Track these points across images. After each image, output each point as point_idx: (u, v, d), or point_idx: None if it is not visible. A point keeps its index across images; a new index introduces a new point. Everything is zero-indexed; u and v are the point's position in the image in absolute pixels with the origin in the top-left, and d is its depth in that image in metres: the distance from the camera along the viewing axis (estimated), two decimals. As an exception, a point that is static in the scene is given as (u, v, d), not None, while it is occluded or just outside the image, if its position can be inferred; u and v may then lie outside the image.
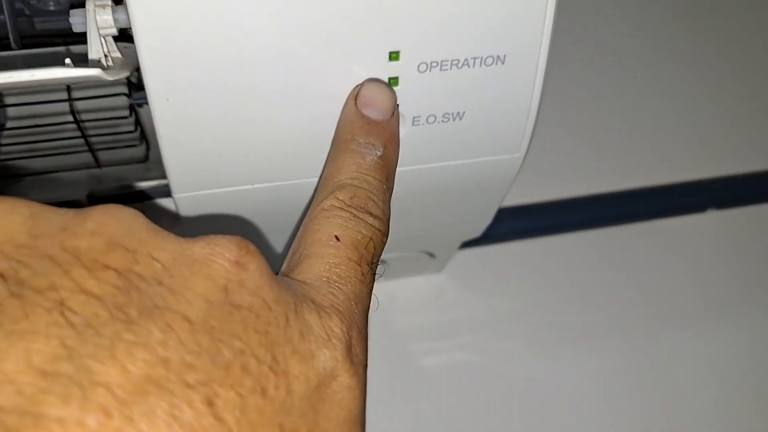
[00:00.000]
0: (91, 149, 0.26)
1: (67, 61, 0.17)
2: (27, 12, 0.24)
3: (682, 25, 0.50)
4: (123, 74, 0.19)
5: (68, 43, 0.24)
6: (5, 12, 0.23)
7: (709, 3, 0.52)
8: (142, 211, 0.25)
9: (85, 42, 0.21)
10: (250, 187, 0.23)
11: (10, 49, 0.23)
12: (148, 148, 0.28)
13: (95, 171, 0.27)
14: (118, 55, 0.21)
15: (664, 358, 0.36)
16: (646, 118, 0.44)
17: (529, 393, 0.34)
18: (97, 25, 0.19)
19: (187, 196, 0.23)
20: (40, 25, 0.24)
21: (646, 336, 0.36)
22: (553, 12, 0.21)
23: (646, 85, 0.46)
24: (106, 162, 0.27)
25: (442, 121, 0.23)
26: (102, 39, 0.19)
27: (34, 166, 0.27)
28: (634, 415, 0.35)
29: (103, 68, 0.18)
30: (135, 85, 0.26)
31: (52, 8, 0.24)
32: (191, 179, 0.23)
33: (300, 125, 0.21)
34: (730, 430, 0.35)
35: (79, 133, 0.26)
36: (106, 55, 0.19)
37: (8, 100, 0.27)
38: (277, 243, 0.29)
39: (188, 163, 0.22)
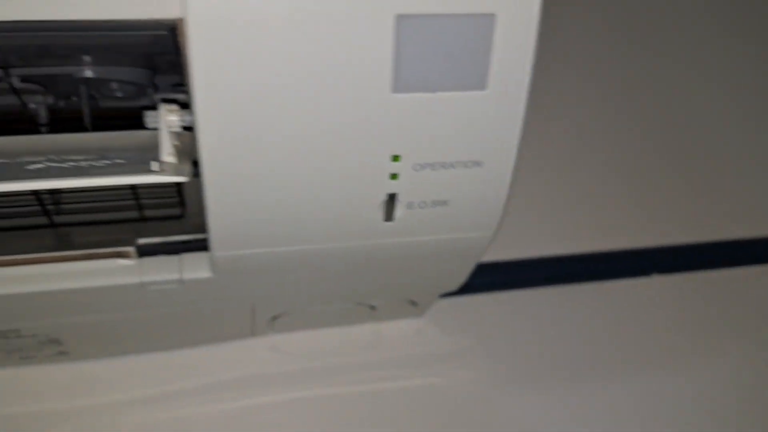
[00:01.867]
0: (140, 206, 0.32)
1: (155, 166, 0.23)
2: (96, 96, 0.29)
3: (628, 96, 0.57)
4: (190, 170, 0.24)
5: (131, 125, 0.30)
6: (82, 97, 0.29)
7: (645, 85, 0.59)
8: (181, 261, 0.31)
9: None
10: (279, 249, 0.29)
11: (84, 129, 0.29)
12: (184, 207, 0.33)
13: (140, 225, 0.33)
14: (178, 143, 0.26)
15: (608, 402, 0.41)
16: (601, 189, 0.51)
17: (482, 415, 0.39)
18: (167, 124, 0.25)
19: (222, 255, 0.29)
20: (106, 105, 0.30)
21: (593, 380, 0.42)
22: (521, 127, 0.27)
23: (601, 158, 0.53)
24: (149, 217, 0.33)
25: (431, 206, 0.29)
26: (169, 134, 0.25)
27: (84, 218, 0.33)
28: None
29: (183, 174, 0.23)
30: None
31: (119, 95, 0.29)
32: (229, 242, 0.28)
33: (325, 203, 0.27)
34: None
35: (131, 194, 0.31)
36: (171, 153, 0.25)
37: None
38: (296, 297, 0.34)
39: (228, 230, 0.28)
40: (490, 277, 0.43)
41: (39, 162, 0.24)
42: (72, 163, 0.24)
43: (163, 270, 0.31)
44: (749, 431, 0.42)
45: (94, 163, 0.24)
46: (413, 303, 0.40)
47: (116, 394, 0.37)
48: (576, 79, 0.57)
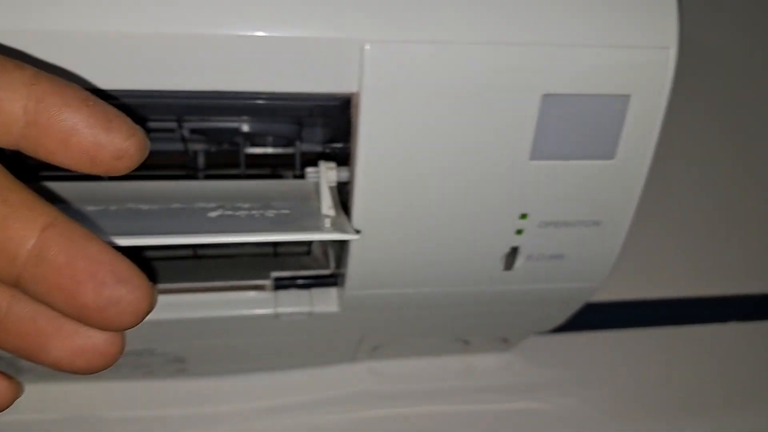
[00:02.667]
0: (276, 243, 0.35)
1: (327, 224, 0.26)
2: (249, 143, 0.33)
3: (711, 146, 0.59)
4: (351, 226, 0.27)
5: (277, 175, 0.33)
6: (240, 146, 0.32)
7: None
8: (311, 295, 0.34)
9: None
10: (404, 290, 0.32)
11: (238, 176, 0.32)
12: (310, 244, 0.36)
13: (271, 259, 0.36)
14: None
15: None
16: (693, 234, 0.53)
17: None
18: (327, 180, 0.28)
19: (354, 293, 0.32)
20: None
21: (678, 421, 0.44)
22: (641, 191, 0.30)
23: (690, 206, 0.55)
24: (279, 253, 0.36)
25: (548, 259, 0.31)
26: (328, 188, 0.28)
27: (224, 251, 0.36)
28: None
29: (350, 233, 0.26)
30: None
31: (270, 144, 0.32)
32: (363, 282, 0.31)
33: (456, 252, 0.30)
34: None
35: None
36: (331, 207, 0.28)
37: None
38: (403, 331, 0.37)
39: (365, 272, 0.30)
40: (580, 317, 0.45)
41: (214, 209, 0.27)
42: (244, 212, 0.27)
43: (295, 303, 0.34)
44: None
45: (264, 213, 0.27)
46: (505, 340, 0.43)
47: (230, 405, 0.41)
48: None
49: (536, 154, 0.27)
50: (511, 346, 0.44)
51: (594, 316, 0.46)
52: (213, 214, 0.27)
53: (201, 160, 0.32)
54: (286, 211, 0.28)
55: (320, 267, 0.35)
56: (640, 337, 0.47)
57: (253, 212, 0.27)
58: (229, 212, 0.27)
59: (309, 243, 0.36)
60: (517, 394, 0.42)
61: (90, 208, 0.27)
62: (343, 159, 0.29)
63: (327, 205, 0.27)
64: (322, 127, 0.32)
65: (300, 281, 0.34)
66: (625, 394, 0.44)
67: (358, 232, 0.27)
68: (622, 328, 0.47)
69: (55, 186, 0.29)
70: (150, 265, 0.34)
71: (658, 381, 0.45)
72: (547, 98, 0.26)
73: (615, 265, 0.32)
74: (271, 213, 0.27)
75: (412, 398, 0.42)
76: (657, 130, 0.28)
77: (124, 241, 0.24)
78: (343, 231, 0.25)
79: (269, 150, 0.33)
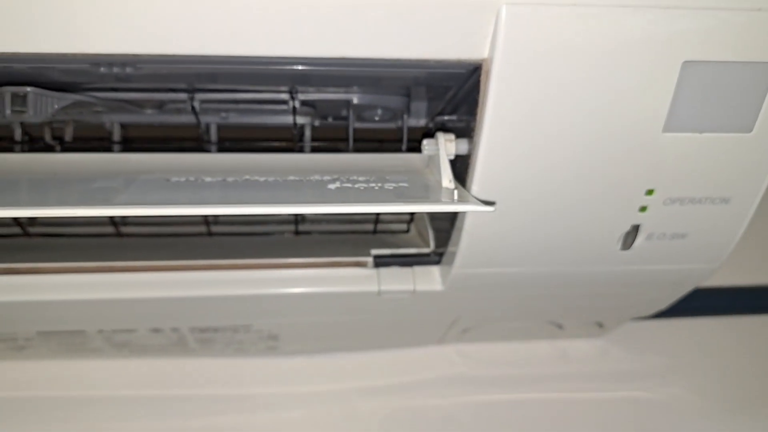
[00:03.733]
0: (377, 220, 0.34)
1: (456, 196, 0.25)
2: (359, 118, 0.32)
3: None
4: (474, 198, 0.26)
5: (382, 148, 0.32)
6: (350, 118, 0.31)
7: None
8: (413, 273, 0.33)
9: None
10: (514, 269, 0.31)
11: (344, 150, 0.31)
12: (410, 222, 0.35)
13: (369, 236, 0.35)
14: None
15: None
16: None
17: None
18: (446, 152, 0.27)
19: (462, 272, 0.31)
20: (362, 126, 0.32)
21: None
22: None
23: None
24: (378, 230, 0.35)
25: (669, 238, 0.30)
26: (447, 161, 0.27)
27: (324, 228, 0.35)
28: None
29: (477, 204, 0.25)
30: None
31: (377, 119, 0.32)
32: (473, 260, 0.30)
33: (574, 230, 0.29)
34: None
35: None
36: (452, 180, 0.27)
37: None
38: (499, 313, 0.36)
39: (477, 249, 0.30)
40: (677, 303, 0.44)
41: (332, 182, 0.27)
42: (362, 185, 0.26)
43: (399, 280, 0.33)
44: None
45: (382, 185, 0.26)
46: (600, 325, 0.41)
47: (320, 386, 0.40)
48: None
49: (670, 125, 0.26)
50: (605, 331, 0.43)
51: (694, 302, 0.45)
52: (332, 186, 0.26)
53: (308, 134, 0.32)
54: (405, 184, 0.27)
55: (418, 246, 0.35)
56: (739, 324, 0.45)
57: (372, 185, 0.27)
58: (347, 185, 0.27)
59: (408, 221, 0.36)
60: (616, 382, 0.41)
61: (208, 179, 0.27)
62: (458, 132, 0.28)
63: (448, 178, 0.27)
64: (430, 100, 0.32)
65: (400, 259, 0.33)
66: (723, 384, 0.42)
67: (490, 204, 0.26)
68: (719, 315, 0.45)
69: (170, 158, 0.29)
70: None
71: (756, 370, 0.43)
72: (688, 65, 0.25)
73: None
74: (389, 186, 0.26)
75: (505, 384, 0.41)
76: (800, 100, 0.26)
77: (247, 209, 0.23)
78: (476, 203, 0.24)
79: (376, 125, 0.32)
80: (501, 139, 0.26)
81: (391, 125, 0.33)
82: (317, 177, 0.27)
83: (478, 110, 0.26)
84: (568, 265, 0.31)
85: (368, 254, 0.34)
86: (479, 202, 0.24)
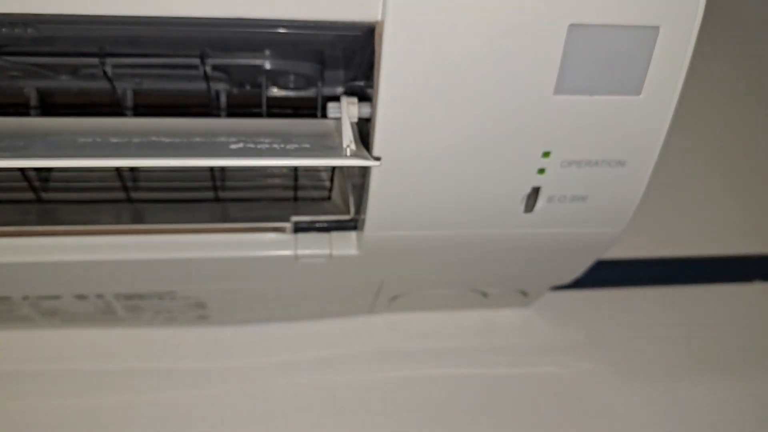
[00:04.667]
0: (296, 188, 0.35)
1: (348, 151, 0.26)
2: (271, 85, 0.33)
3: (743, 104, 0.58)
4: (371, 156, 0.27)
5: (297, 114, 0.33)
6: (263, 85, 0.32)
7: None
8: (330, 238, 0.34)
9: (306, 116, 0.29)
10: (423, 232, 0.32)
11: (260, 115, 0.32)
12: (331, 190, 0.36)
13: (291, 204, 0.36)
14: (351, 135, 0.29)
15: (706, 401, 0.43)
16: (714, 194, 0.52)
17: (599, 408, 0.41)
18: (348, 115, 0.28)
19: (373, 235, 0.32)
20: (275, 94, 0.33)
21: (691, 379, 0.43)
22: (666, 130, 0.29)
23: (717, 163, 0.54)
24: (301, 198, 0.36)
25: (570, 201, 0.31)
26: (349, 124, 0.28)
27: (246, 195, 0.36)
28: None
29: (369, 159, 0.26)
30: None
31: (291, 85, 0.32)
32: (382, 223, 0.31)
33: (476, 192, 0.30)
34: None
35: (292, 177, 0.35)
36: (351, 140, 0.27)
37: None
38: (422, 279, 0.37)
39: (385, 213, 0.30)
40: (598, 274, 0.45)
41: (236, 143, 0.27)
42: (265, 145, 0.27)
43: (315, 245, 0.34)
44: None
45: (285, 146, 0.27)
46: (524, 293, 0.42)
47: (247, 359, 0.41)
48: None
49: (561, 87, 0.27)
50: (530, 301, 0.44)
51: (616, 273, 0.46)
52: (234, 146, 0.27)
53: (223, 100, 0.32)
54: (307, 145, 0.28)
55: (340, 213, 0.35)
56: (662, 295, 0.46)
57: (275, 145, 0.27)
58: (251, 145, 0.27)
59: (329, 189, 0.36)
60: (535, 356, 0.42)
61: (114, 140, 0.27)
62: (366, 98, 0.29)
63: (348, 138, 0.27)
64: (344, 69, 0.32)
65: (319, 224, 0.34)
66: (643, 356, 0.43)
67: (377, 159, 0.27)
68: (644, 286, 0.46)
69: (82, 122, 0.29)
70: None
71: (679, 341, 0.45)
72: (574, 29, 0.26)
73: (644, 220, 0.32)
74: (292, 146, 0.27)
75: (428, 358, 0.42)
76: (685, 65, 0.27)
77: (139, 162, 0.24)
78: (363, 157, 0.25)
79: (291, 93, 0.33)
80: (396, 102, 0.26)
81: (310, 94, 0.33)
82: (223, 138, 0.28)
83: (375, 73, 0.26)
84: (476, 227, 0.32)
85: (289, 220, 0.34)
86: (366, 157, 0.25)
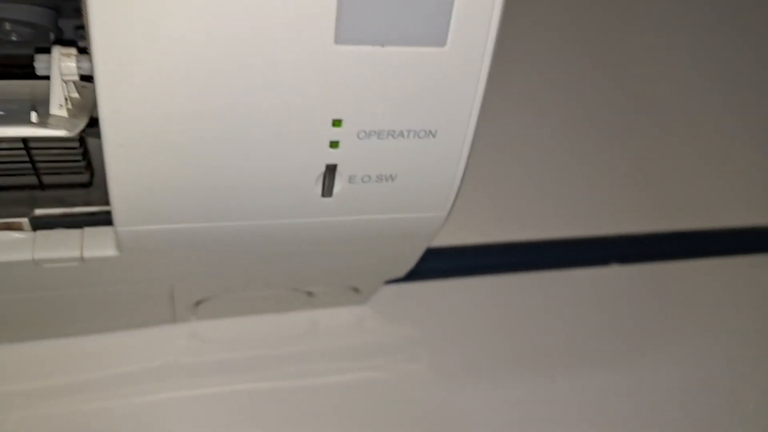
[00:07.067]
0: (36, 172, 0.27)
1: (34, 117, 0.18)
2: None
3: (592, 84, 0.55)
4: (81, 125, 0.20)
5: (26, 75, 0.25)
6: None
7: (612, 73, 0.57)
8: (82, 236, 0.27)
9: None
10: (194, 225, 0.25)
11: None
12: (92, 174, 0.29)
13: (38, 193, 0.28)
14: (77, 95, 0.22)
15: (558, 396, 0.39)
16: (563, 176, 0.48)
17: (429, 412, 0.36)
18: (60, 72, 0.21)
19: (128, 230, 0.25)
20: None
21: (543, 373, 0.39)
22: (481, 95, 0.24)
23: (564, 144, 0.50)
24: (49, 184, 0.28)
25: (375, 181, 0.25)
26: (63, 83, 0.21)
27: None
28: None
29: (66, 129, 0.19)
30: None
31: (14, 39, 0.24)
32: (135, 215, 0.24)
33: (251, 173, 0.23)
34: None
35: (25, 155, 0.27)
36: (66, 99, 0.20)
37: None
38: (221, 281, 0.30)
39: (134, 201, 0.23)
40: (439, 263, 0.40)
41: None
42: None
43: (60, 246, 0.26)
44: (702, 422, 0.40)
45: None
46: (355, 290, 0.37)
47: (10, 385, 0.33)
48: (542, 59, 0.54)
49: (342, 36, 0.21)
50: (364, 297, 0.38)
51: (460, 261, 0.41)
52: None
53: None
54: (2, 113, 0.20)
55: (102, 204, 0.28)
56: (503, 283, 0.42)
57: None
58: None
59: (91, 174, 0.29)
60: (360, 360, 0.36)
61: None
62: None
63: (57, 102, 0.20)
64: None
65: (69, 219, 0.27)
66: (480, 350, 0.39)
67: (70, 130, 0.20)
68: (494, 273, 0.42)
69: None
70: None
71: (522, 331, 0.40)
72: (349, -46, 0.20)
73: (459, 195, 0.27)
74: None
75: (235, 370, 0.35)
76: (499, 8, 0.22)
77: None
78: (55, 127, 0.18)
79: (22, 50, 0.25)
80: (119, 53, 0.19)
81: (44, 46, 0.26)
82: None
83: (85, 12, 0.19)
84: (263, 217, 0.26)
85: (27, 215, 0.27)
86: (69, 126, 0.18)
